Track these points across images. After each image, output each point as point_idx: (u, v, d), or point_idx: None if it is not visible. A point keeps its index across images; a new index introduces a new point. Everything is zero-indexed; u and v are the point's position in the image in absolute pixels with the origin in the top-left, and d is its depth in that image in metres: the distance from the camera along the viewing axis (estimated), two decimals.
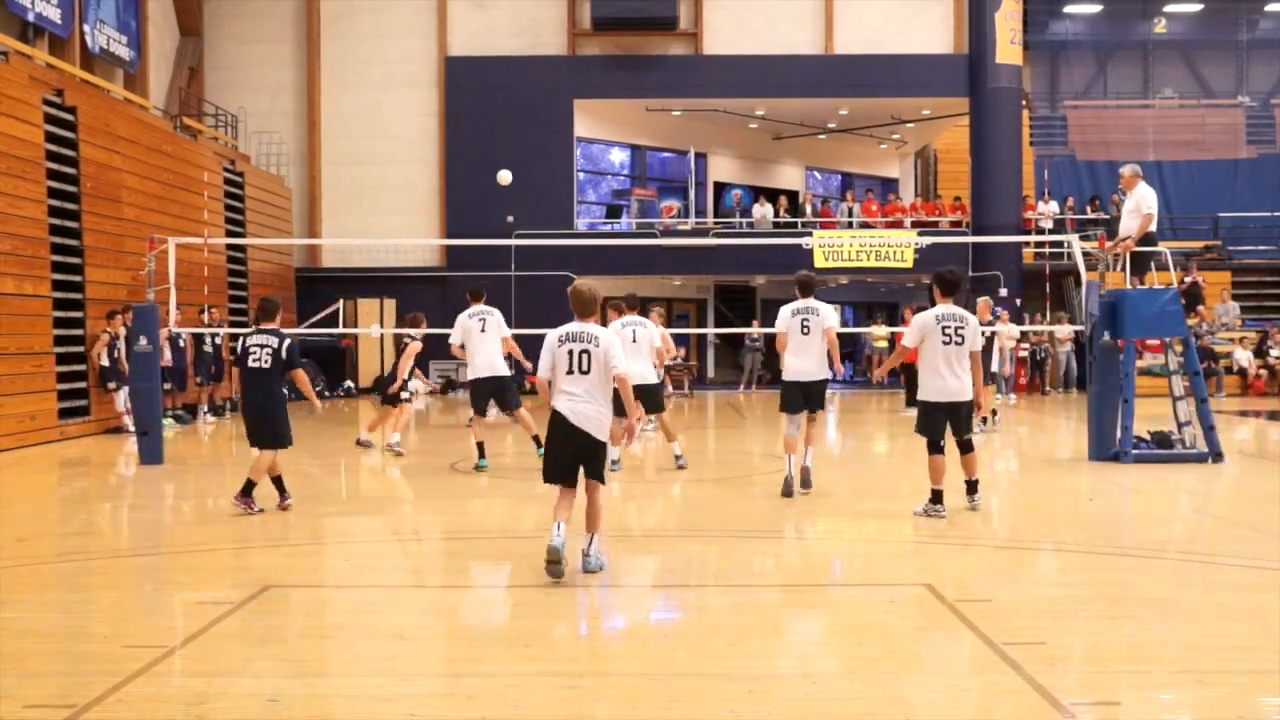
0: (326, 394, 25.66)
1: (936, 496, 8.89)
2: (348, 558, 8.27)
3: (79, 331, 17.15)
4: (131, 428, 14.70)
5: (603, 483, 7.23)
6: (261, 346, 9.34)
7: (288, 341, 9.38)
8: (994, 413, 16.67)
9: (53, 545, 8.46)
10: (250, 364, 9.34)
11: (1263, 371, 25.12)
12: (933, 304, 9.16)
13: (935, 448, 8.91)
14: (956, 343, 8.81)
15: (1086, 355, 13.28)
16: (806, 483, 10.15)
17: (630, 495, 11.26)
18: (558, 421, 7.05)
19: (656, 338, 11.94)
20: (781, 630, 6.13)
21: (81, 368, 17.04)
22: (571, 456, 7.05)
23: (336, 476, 12.97)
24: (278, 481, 9.50)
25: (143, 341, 13.12)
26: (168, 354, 17.01)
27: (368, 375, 27.00)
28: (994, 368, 14.79)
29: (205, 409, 19.31)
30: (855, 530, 9.00)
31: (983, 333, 9.24)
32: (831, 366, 10.24)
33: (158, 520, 9.87)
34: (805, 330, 10.04)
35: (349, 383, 26.58)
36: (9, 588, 6.86)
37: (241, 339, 9.66)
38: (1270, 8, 32.77)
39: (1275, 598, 6.48)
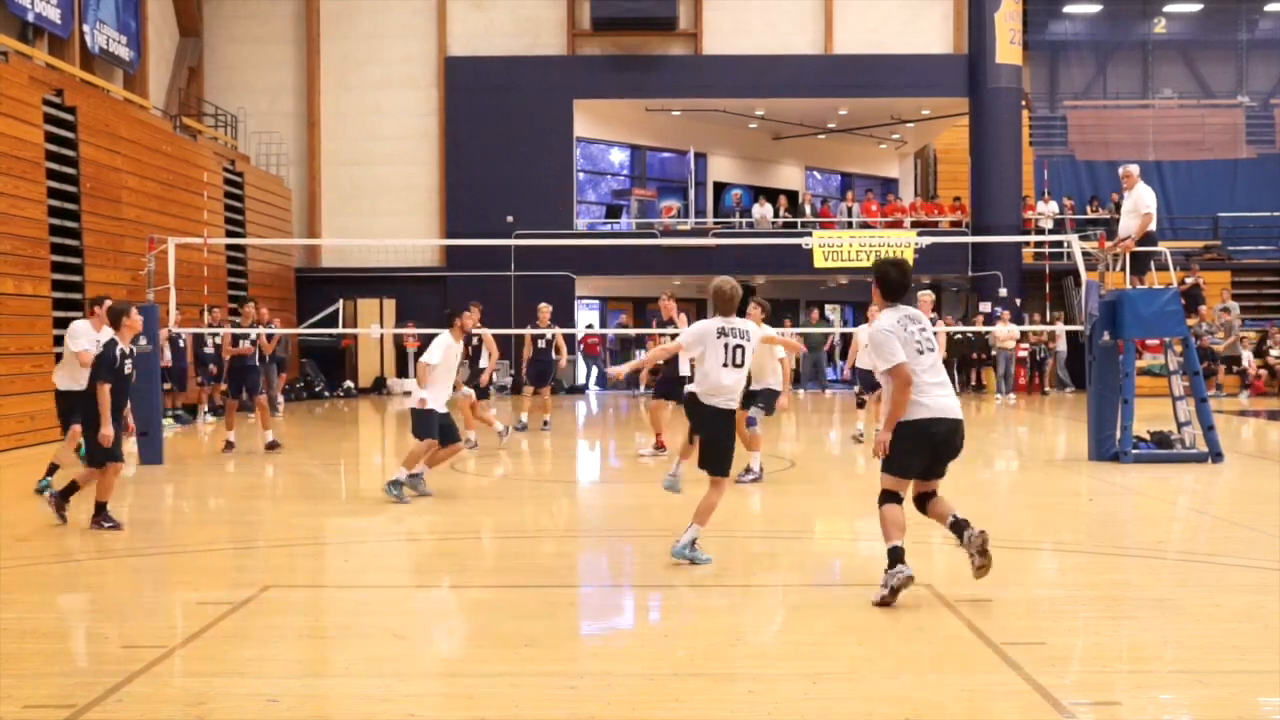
0: (326, 394, 25.67)
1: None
2: (348, 558, 8.27)
3: None
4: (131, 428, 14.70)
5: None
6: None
7: (99, 353, 8.86)
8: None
9: (53, 545, 8.45)
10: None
11: (1262, 371, 25.13)
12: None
13: None
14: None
15: (1086, 355, 13.27)
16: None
17: (631, 495, 11.27)
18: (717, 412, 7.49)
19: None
20: (781, 630, 6.13)
21: None
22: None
23: (336, 476, 12.97)
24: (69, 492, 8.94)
25: (142, 341, 13.11)
26: (168, 354, 17.01)
27: (368, 375, 27.00)
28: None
29: (205, 409, 19.31)
30: (855, 530, 8.99)
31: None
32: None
33: (158, 520, 9.87)
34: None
35: (349, 383, 26.58)
36: (9, 588, 6.86)
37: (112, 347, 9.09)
38: (1270, 8, 32.76)
39: (1275, 598, 6.47)
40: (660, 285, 30.14)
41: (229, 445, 14.10)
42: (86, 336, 10.20)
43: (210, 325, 19.15)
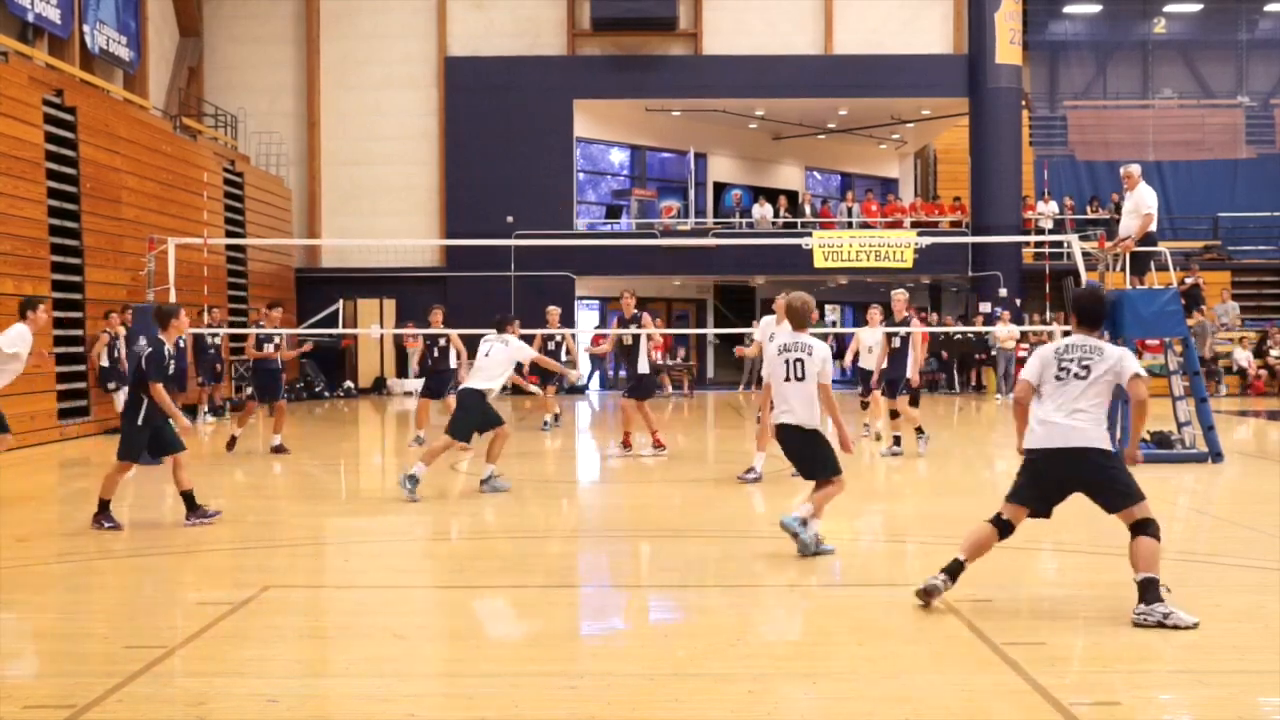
0: (326, 394, 25.68)
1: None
2: (348, 558, 8.27)
3: (79, 332, 17.15)
4: None
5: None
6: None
7: (148, 351, 8.95)
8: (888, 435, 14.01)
9: (53, 545, 8.46)
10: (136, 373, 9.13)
11: (1262, 372, 25.13)
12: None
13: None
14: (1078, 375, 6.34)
15: None
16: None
17: (631, 495, 11.27)
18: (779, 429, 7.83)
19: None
20: (781, 630, 6.13)
21: (81, 368, 17.04)
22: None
23: (336, 476, 12.97)
24: (186, 497, 9.01)
25: (142, 342, 13.10)
26: None
27: (367, 376, 27.00)
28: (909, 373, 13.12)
29: (205, 409, 19.32)
30: (855, 530, 8.99)
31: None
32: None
33: (158, 520, 9.86)
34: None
35: (349, 383, 26.58)
36: (9, 588, 6.86)
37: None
38: (1270, 8, 32.77)
39: (1275, 598, 6.48)
40: (660, 285, 30.28)
41: (233, 442, 14.07)
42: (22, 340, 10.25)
43: (210, 325, 19.16)
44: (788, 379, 7.72)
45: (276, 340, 14.38)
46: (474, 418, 10.58)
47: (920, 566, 7.52)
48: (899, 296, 13.74)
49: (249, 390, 13.82)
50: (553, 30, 27.82)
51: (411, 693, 4.95)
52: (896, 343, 13.33)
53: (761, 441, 11.12)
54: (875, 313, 13.98)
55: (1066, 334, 6.59)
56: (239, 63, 27.50)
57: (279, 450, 14.02)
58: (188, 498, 8.95)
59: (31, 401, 15.53)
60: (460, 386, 11.43)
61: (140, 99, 22.35)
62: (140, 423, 8.86)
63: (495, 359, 10.90)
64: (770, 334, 11.11)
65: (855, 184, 33.92)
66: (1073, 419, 6.14)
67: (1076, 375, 6.18)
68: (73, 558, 7.98)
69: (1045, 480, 6.32)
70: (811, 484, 7.83)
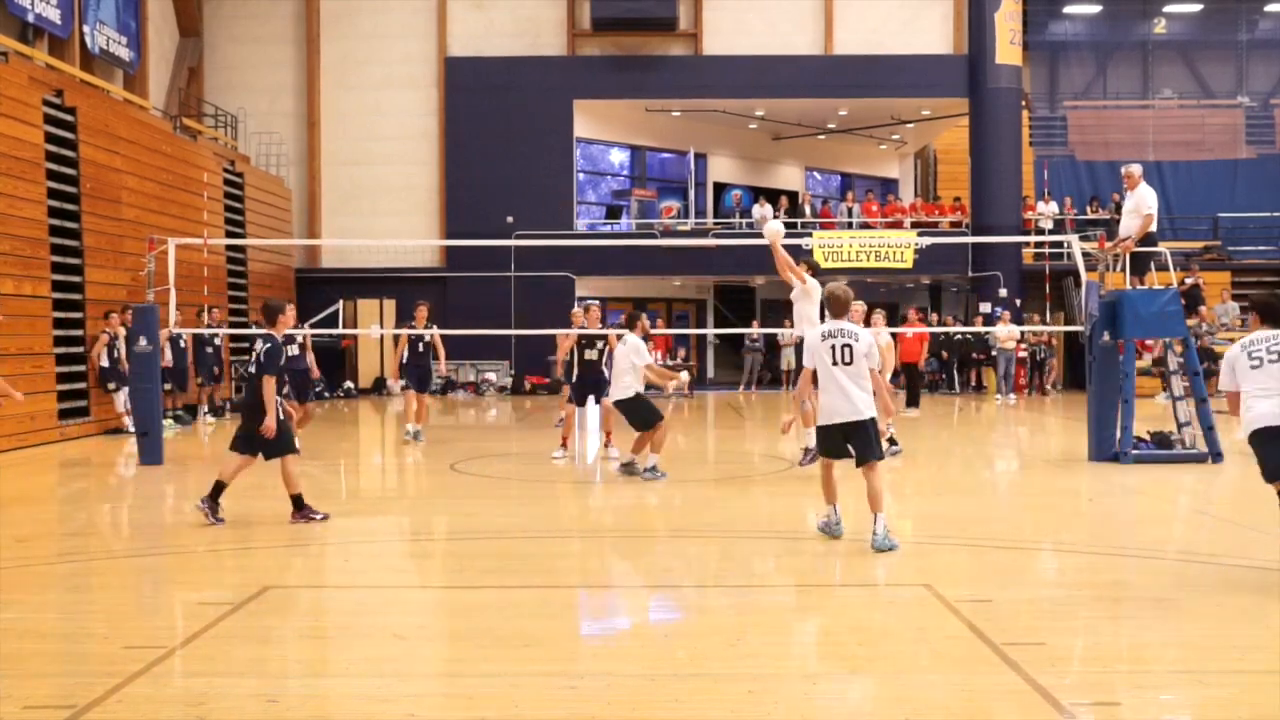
0: (326, 395, 25.67)
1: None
2: (348, 558, 8.27)
3: (79, 332, 17.15)
4: (131, 428, 14.70)
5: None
6: (253, 350, 9.39)
7: (266, 346, 9.12)
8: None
9: (53, 545, 8.46)
10: (249, 368, 9.39)
11: None
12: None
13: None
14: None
15: (1086, 355, 13.27)
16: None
17: (631, 495, 11.27)
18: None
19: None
20: (781, 630, 6.13)
21: (81, 368, 17.04)
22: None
23: (336, 476, 12.97)
24: (293, 500, 9.15)
25: (142, 342, 13.11)
26: (168, 354, 17.01)
27: (367, 376, 27.01)
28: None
29: (205, 409, 19.32)
30: (856, 530, 8.99)
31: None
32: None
33: (158, 521, 9.87)
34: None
35: (349, 383, 26.58)
36: (9, 588, 6.86)
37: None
38: (1270, 8, 32.75)
39: (1275, 598, 6.48)
40: (660, 285, 30.29)
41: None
42: None
43: (209, 326, 19.16)
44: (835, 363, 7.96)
45: (300, 339, 14.37)
46: (644, 413, 11.44)
47: (920, 566, 7.53)
48: (856, 308, 13.79)
49: (285, 391, 13.78)
50: (553, 30, 27.83)
51: (411, 693, 4.95)
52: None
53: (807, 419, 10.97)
54: (877, 316, 14.37)
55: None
56: (239, 63, 27.51)
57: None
58: (293, 500, 9.08)
59: (31, 402, 15.50)
60: (613, 400, 12.07)
61: (140, 99, 22.35)
62: (281, 416, 9.07)
63: (618, 365, 11.58)
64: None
65: (855, 184, 33.93)
66: None
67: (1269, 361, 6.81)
68: (73, 558, 7.98)
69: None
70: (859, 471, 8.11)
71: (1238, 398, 6.98)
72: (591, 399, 13.77)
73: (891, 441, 12.86)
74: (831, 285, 8.31)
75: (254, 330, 15.43)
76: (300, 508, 9.08)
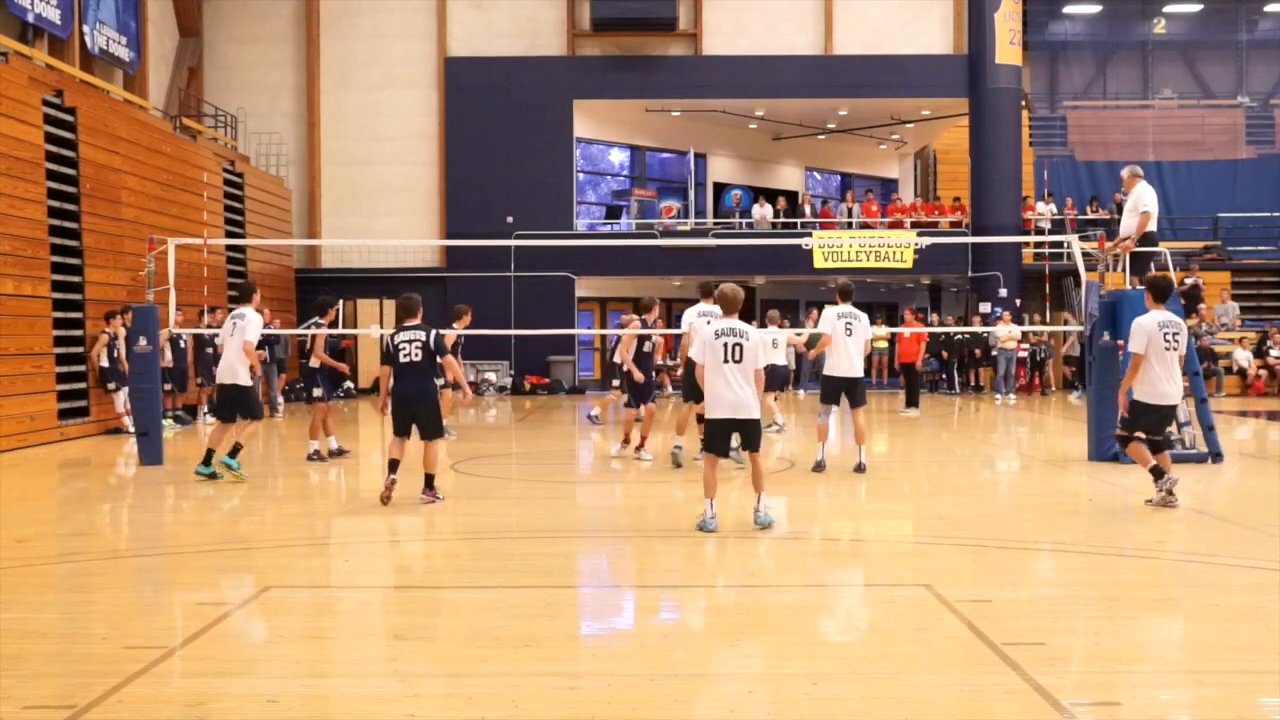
0: (341, 394, 25.67)
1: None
2: (348, 558, 8.27)
3: (79, 332, 17.15)
4: (131, 428, 14.70)
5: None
6: (410, 341, 9.93)
7: (434, 333, 10.02)
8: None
9: (53, 545, 8.46)
10: (402, 359, 9.92)
11: (1262, 372, 25.13)
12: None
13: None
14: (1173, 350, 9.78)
15: (1086, 355, 13.27)
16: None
17: (631, 495, 11.27)
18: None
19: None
20: (781, 630, 6.13)
21: (81, 368, 17.04)
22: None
23: (336, 476, 12.96)
24: (428, 478, 10.03)
25: (142, 342, 13.11)
26: (168, 355, 17.01)
27: (367, 375, 27.00)
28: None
29: (205, 409, 19.31)
30: (855, 530, 8.99)
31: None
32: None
33: (158, 521, 9.87)
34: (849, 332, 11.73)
35: (349, 383, 26.57)
36: (9, 588, 6.86)
37: (390, 337, 10.14)
38: (1270, 8, 32.75)
39: (1275, 598, 6.48)
40: (660, 286, 30.28)
41: (316, 454, 13.40)
42: None
43: (210, 326, 19.14)
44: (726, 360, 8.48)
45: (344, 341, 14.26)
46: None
47: (920, 566, 7.53)
48: (772, 315, 16.18)
49: (318, 392, 13.70)
50: (553, 30, 27.83)
51: (411, 693, 4.95)
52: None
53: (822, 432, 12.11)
54: (775, 314, 16.27)
55: None
56: (239, 63, 27.51)
57: (342, 452, 13.83)
58: (428, 479, 10.02)
59: (31, 402, 15.54)
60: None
61: (140, 99, 22.35)
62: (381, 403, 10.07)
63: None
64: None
65: (855, 184, 33.93)
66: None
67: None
68: (73, 558, 7.98)
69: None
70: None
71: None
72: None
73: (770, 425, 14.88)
74: (724, 285, 8.82)
75: (320, 331, 14.65)
76: (430, 486, 10.03)
